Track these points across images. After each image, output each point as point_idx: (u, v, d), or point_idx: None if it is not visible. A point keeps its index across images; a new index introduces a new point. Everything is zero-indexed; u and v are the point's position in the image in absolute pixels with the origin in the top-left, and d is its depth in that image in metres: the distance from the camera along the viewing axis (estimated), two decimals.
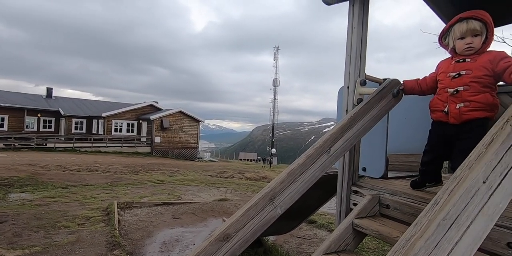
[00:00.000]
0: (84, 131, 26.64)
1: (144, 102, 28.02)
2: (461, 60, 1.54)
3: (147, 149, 25.09)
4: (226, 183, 13.46)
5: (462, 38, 1.53)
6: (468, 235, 0.78)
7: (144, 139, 25.72)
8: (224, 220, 5.60)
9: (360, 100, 2.02)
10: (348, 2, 2.10)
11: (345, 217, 2.00)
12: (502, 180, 0.87)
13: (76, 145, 22.12)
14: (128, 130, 26.13)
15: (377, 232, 1.48)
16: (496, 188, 0.86)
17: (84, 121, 26.81)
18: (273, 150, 65.99)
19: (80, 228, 5.40)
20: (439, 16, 2.78)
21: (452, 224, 0.79)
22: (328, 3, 2.08)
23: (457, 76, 1.52)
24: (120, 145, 23.81)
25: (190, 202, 8.29)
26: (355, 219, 1.63)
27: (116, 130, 25.43)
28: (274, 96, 72.11)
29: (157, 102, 28.62)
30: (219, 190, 11.41)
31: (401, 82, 1.85)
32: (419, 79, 1.77)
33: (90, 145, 22.46)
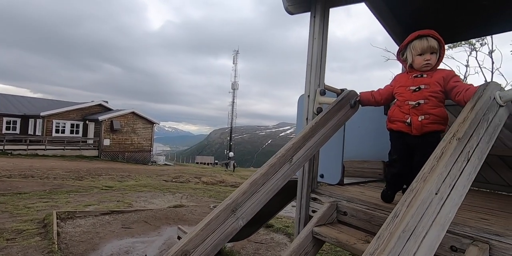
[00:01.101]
0: (17, 131, 23.65)
1: (92, 101, 25.89)
2: (419, 76, 1.64)
3: (94, 152, 23.13)
4: (182, 188, 12.96)
5: (421, 54, 1.62)
6: (424, 245, 0.83)
7: (91, 142, 23.69)
8: (180, 228, 5.35)
9: (319, 109, 2.07)
10: (309, 13, 2.15)
11: (304, 224, 2.02)
12: (451, 191, 0.95)
13: (7, 147, 19.49)
14: (72, 131, 23.84)
15: (336, 240, 1.52)
16: (446, 199, 0.93)
17: (18, 120, 23.82)
18: (231, 154, 65.73)
19: (9, 243, 4.72)
20: (388, 32, 3.01)
21: (410, 235, 0.82)
22: (291, 13, 2.11)
23: (417, 89, 1.60)
24: (63, 147, 21.59)
25: (142, 210, 7.79)
26: (314, 227, 1.65)
27: (57, 131, 23.03)
28: (233, 99, 72.14)
29: (106, 102, 26.64)
30: (174, 195, 10.93)
31: (358, 93, 1.94)
32: (373, 91, 1.87)
33: (25, 147, 19.97)
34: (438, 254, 1.29)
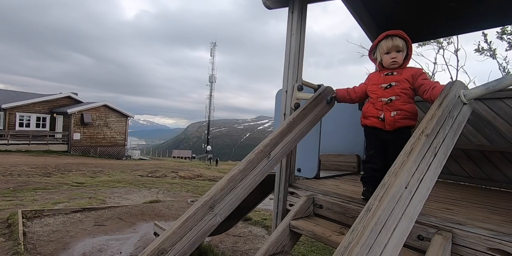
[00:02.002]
0: None
1: (60, 93, 24.42)
2: (390, 74, 1.71)
3: (63, 147, 21.97)
4: (158, 183, 12.70)
5: (387, 53, 1.70)
6: (394, 236, 0.87)
7: (59, 136, 22.45)
8: (156, 224, 5.26)
9: (297, 105, 2.09)
10: (287, 8, 2.15)
11: (282, 218, 2.06)
12: (419, 185, 1.00)
13: None
14: (38, 125, 22.43)
15: (312, 232, 1.56)
16: (414, 193, 0.98)
17: None
18: (209, 147, 65.18)
19: None
20: (363, 29, 3.08)
21: (382, 228, 0.87)
22: (269, 8, 2.10)
23: (388, 87, 1.68)
24: (28, 142, 20.30)
25: (116, 206, 7.55)
26: (292, 221, 1.69)
27: (21, 125, 21.57)
28: (211, 92, 71.13)
29: (76, 94, 25.25)
30: (150, 191, 10.69)
31: (334, 90, 1.98)
32: (349, 88, 1.92)
33: None
34: (406, 243, 1.37)
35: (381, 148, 1.70)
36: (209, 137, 70.71)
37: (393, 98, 1.64)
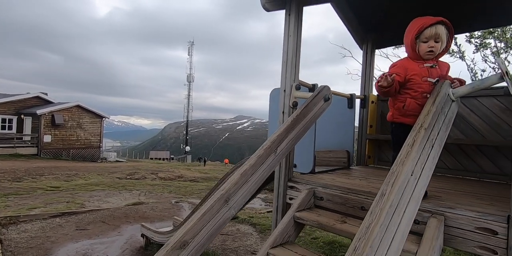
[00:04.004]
0: None
1: (28, 93, 23.00)
2: (434, 66, 1.60)
3: (32, 150, 20.74)
4: (139, 185, 12.39)
5: (425, 41, 1.58)
6: (405, 217, 1.00)
7: (28, 138, 21.16)
8: (143, 226, 5.18)
9: (295, 103, 2.20)
10: (284, 11, 2.25)
11: (282, 211, 2.16)
12: (421, 172, 1.13)
13: None
14: (4, 127, 21.00)
15: (317, 222, 1.67)
16: (418, 179, 1.11)
17: None
18: (187, 148, 64.08)
19: None
20: (350, 32, 3.23)
21: (395, 210, 0.98)
22: (267, 10, 2.18)
23: (436, 82, 1.57)
24: None
25: (98, 210, 7.31)
26: (296, 213, 1.79)
27: None
28: (189, 92, 70.00)
29: (46, 94, 23.91)
30: (131, 193, 10.41)
31: (330, 88, 2.09)
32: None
33: None
34: None
35: None
36: (187, 137, 69.56)
37: None
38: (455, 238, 1.35)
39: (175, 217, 5.97)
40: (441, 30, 1.56)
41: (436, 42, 1.58)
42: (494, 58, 5.05)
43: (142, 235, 5.18)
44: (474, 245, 1.30)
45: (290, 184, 2.16)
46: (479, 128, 2.48)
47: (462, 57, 5.44)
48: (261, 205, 8.92)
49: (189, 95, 71.04)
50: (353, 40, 3.32)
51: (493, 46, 5.03)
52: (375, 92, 3.27)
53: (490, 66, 5.05)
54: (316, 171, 2.49)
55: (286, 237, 1.74)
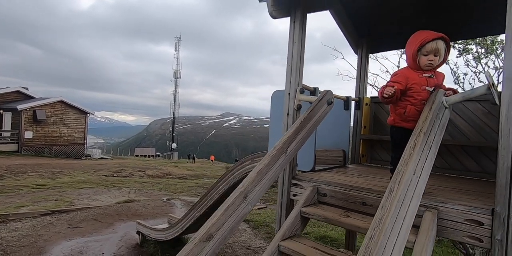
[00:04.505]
0: None
1: (7, 87, 22.14)
2: (431, 76, 1.76)
3: (12, 147, 20.02)
4: (127, 183, 12.28)
5: (426, 54, 1.73)
6: (409, 210, 1.16)
7: (7, 134, 20.40)
8: (139, 223, 5.22)
9: (299, 106, 2.34)
10: (289, 18, 2.38)
11: (286, 207, 2.31)
12: (421, 171, 1.30)
13: None
14: None
15: (323, 216, 1.82)
16: (419, 177, 1.27)
17: None
18: (174, 145, 63.34)
19: None
20: (346, 37, 3.39)
21: (402, 205, 1.14)
22: (274, 17, 2.31)
23: (433, 91, 1.73)
24: None
25: (89, 207, 7.26)
26: (302, 208, 1.94)
27: None
28: (175, 88, 69.02)
29: (27, 88, 23.09)
30: (120, 191, 10.33)
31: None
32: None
33: None
34: None
35: None
36: (174, 134, 68.78)
37: None
38: (447, 229, 1.54)
39: (170, 214, 6.04)
40: (441, 45, 1.72)
41: (435, 56, 1.73)
42: (475, 62, 5.38)
43: (138, 232, 5.22)
44: (463, 235, 1.49)
45: (294, 181, 2.31)
46: (464, 131, 2.71)
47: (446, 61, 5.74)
48: None
49: (175, 91, 70.07)
50: (348, 44, 3.49)
51: (475, 52, 5.35)
52: (369, 95, 3.47)
53: (471, 71, 5.37)
54: (315, 169, 2.64)
55: (294, 230, 1.89)
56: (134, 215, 6.84)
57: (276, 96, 2.92)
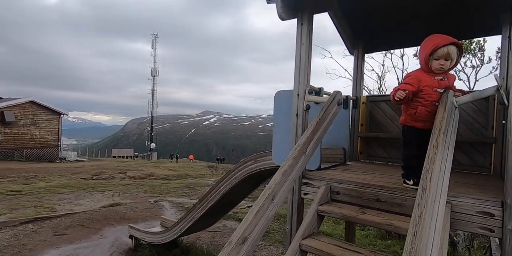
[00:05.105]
0: None
1: None
2: (443, 78, 1.84)
3: None
4: (110, 185, 11.85)
5: (437, 59, 1.80)
6: (441, 205, 1.23)
7: None
8: (132, 227, 5.08)
9: (308, 106, 2.39)
10: (296, 19, 2.41)
11: (298, 206, 2.36)
12: (445, 168, 1.38)
13: None
14: None
15: (341, 214, 1.88)
16: (444, 174, 1.35)
17: None
18: (153, 145, 61.80)
19: None
20: (341, 37, 3.47)
21: (434, 200, 1.21)
22: (282, 19, 2.33)
23: (444, 92, 1.81)
24: None
25: (73, 213, 6.95)
26: (318, 207, 1.98)
27: None
28: (153, 87, 67.24)
29: None
30: (103, 194, 9.95)
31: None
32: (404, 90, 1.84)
33: None
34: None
35: (424, 147, 1.69)
36: (152, 134, 67.08)
37: None
38: (460, 221, 1.64)
39: (163, 216, 5.92)
40: (452, 50, 1.79)
41: (446, 60, 1.81)
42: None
43: (131, 236, 5.08)
44: (475, 226, 1.60)
45: (304, 180, 2.35)
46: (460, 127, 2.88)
47: None
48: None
49: (153, 89, 68.24)
50: (344, 45, 3.59)
51: None
52: (365, 94, 3.58)
53: (453, 69, 5.71)
54: (321, 167, 2.70)
55: (312, 228, 1.93)
56: (123, 219, 6.64)
57: (280, 96, 2.95)
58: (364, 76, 3.71)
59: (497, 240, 2.76)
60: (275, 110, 2.99)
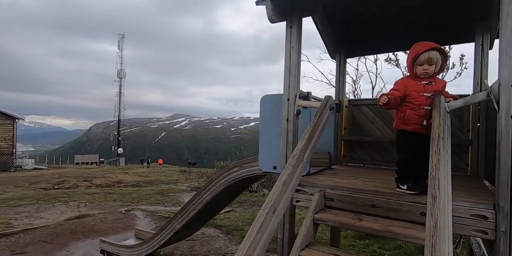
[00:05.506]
0: None
1: None
2: (429, 83, 1.90)
3: None
4: (74, 195, 11.00)
5: (421, 65, 1.89)
6: (449, 209, 1.22)
7: None
8: (103, 241, 4.70)
9: (299, 111, 2.34)
10: (285, 22, 2.36)
11: (289, 214, 2.28)
12: (447, 173, 1.38)
13: None
14: None
15: (338, 222, 1.84)
16: (447, 179, 1.35)
17: None
18: (120, 150, 58.92)
19: None
20: (324, 42, 3.49)
21: (443, 206, 1.20)
22: (273, 21, 2.27)
23: (431, 96, 1.88)
24: None
25: (33, 228, 6.31)
26: (314, 215, 1.93)
27: None
28: (120, 89, 64.27)
29: None
30: (67, 205, 9.19)
31: (334, 98, 2.28)
32: (391, 96, 1.90)
33: None
34: (411, 219, 1.79)
35: (418, 150, 1.87)
36: (120, 138, 64.02)
37: (431, 107, 1.83)
38: (454, 224, 1.66)
39: (137, 227, 5.56)
40: (433, 54, 1.88)
41: (430, 65, 1.89)
42: None
43: (102, 251, 4.70)
44: (469, 229, 1.63)
45: (296, 187, 2.28)
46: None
47: (397, 65, 6.38)
48: None
49: (120, 92, 65.24)
50: (326, 50, 3.61)
51: None
52: (351, 97, 3.62)
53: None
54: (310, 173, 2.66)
55: (309, 238, 1.86)
56: (92, 232, 6.15)
57: (266, 101, 2.88)
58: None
59: (478, 239, 2.90)
60: (262, 115, 2.91)
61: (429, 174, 1.38)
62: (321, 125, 2.03)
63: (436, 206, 1.19)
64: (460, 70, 5.82)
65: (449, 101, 1.83)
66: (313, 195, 2.11)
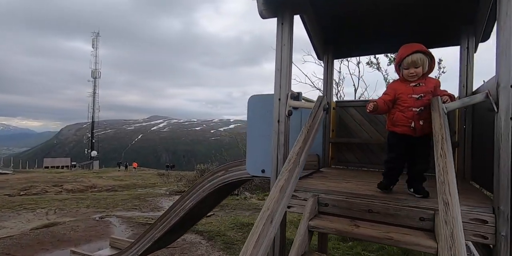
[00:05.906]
0: None
1: None
2: (418, 85, 1.89)
3: None
4: (42, 202, 10.26)
5: (407, 68, 1.90)
6: (459, 213, 1.15)
7: None
8: (74, 252, 4.34)
9: (290, 112, 2.23)
10: (276, 19, 2.25)
11: (279, 220, 2.15)
12: (453, 176, 1.32)
13: None
14: None
15: (335, 229, 1.73)
16: (453, 183, 1.29)
17: None
18: (94, 153, 56.48)
19: None
20: (311, 42, 3.43)
21: (454, 211, 1.12)
22: (264, 17, 2.15)
23: (420, 98, 1.86)
24: None
25: None
26: (309, 222, 1.81)
27: None
28: (94, 89, 61.78)
29: None
30: (34, 213, 8.54)
31: (326, 99, 2.19)
32: (381, 100, 1.95)
33: None
34: (410, 225, 1.72)
35: (405, 151, 1.91)
36: (93, 140, 61.36)
37: (423, 108, 1.84)
38: None
39: (113, 236, 5.21)
40: (417, 57, 1.87)
41: (416, 67, 1.89)
42: None
43: None
44: (469, 234, 1.58)
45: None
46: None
47: (378, 68, 6.50)
48: None
49: (94, 92, 62.70)
50: (314, 51, 3.55)
51: None
52: (335, 99, 3.58)
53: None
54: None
55: (304, 247, 1.74)
56: (62, 242, 5.70)
57: (254, 101, 2.76)
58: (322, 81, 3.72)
59: (468, 243, 2.92)
60: (249, 116, 2.79)
61: (436, 179, 1.31)
62: (315, 126, 1.93)
63: (450, 214, 1.12)
64: (438, 74, 6.01)
65: (446, 101, 1.79)
66: (306, 200, 2.00)
